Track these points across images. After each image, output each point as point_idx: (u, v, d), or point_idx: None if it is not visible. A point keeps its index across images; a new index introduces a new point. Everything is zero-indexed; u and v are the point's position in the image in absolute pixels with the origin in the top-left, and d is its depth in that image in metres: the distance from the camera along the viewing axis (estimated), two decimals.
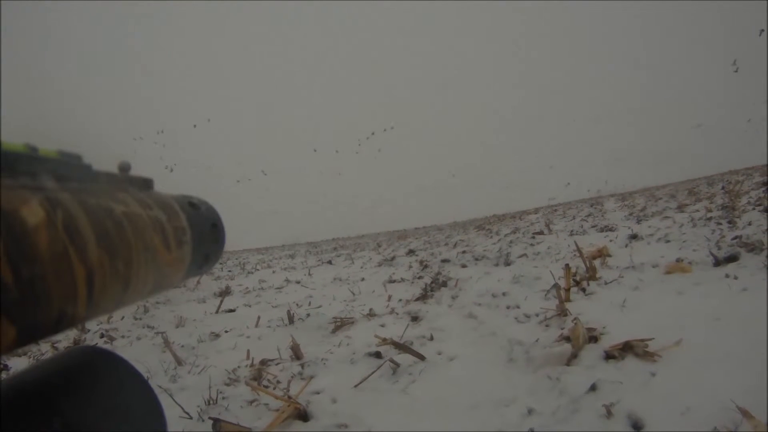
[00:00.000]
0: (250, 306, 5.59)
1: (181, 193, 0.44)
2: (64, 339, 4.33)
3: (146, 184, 0.40)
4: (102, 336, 4.57)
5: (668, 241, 5.10)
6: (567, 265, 3.63)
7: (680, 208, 8.11)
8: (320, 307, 4.94)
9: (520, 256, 6.04)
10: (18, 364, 3.63)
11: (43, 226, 0.24)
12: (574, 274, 3.89)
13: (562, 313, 3.18)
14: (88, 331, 4.84)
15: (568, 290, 3.50)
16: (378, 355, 3.08)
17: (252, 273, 9.91)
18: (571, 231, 7.78)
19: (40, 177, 0.28)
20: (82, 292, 0.26)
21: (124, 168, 0.39)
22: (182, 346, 3.86)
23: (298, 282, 7.32)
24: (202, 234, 0.43)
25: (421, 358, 2.88)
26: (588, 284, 3.83)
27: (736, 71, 39.24)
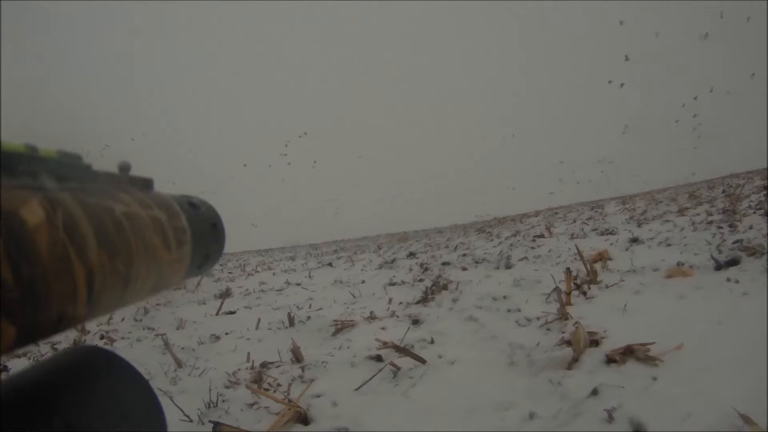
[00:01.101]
0: (250, 308, 5.58)
1: (181, 193, 0.44)
2: (64, 340, 4.33)
3: (146, 184, 0.40)
4: (102, 337, 4.57)
5: (669, 245, 5.10)
6: (568, 268, 3.63)
7: (681, 211, 8.11)
8: (321, 309, 4.93)
9: (521, 260, 6.04)
10: (18, 365, 3.63)
11: (43, 226, 0.24)
12: (575, 278, 3.88)
13: (563, 316, 3.18)
14: (88, 332, 4.83)
15: (569, 294, 3.50)
16: (379, 358, 3.08)
17: (252, 275, 9.91)
18: (572, 234, 7.78)
19: (40, 177, 0.28)
20: (82, 292, 0.26)
21: (124, 168, 0.39)
22: (182, 348, 3.85)
23: (298, 284, 7.31)
24: (202, 234, 0.43)
25: (422, 361, 2.88)
26: (589, 288, 3.83)
27: (621, 86, 40.45)
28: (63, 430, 0.28)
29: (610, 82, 41.37)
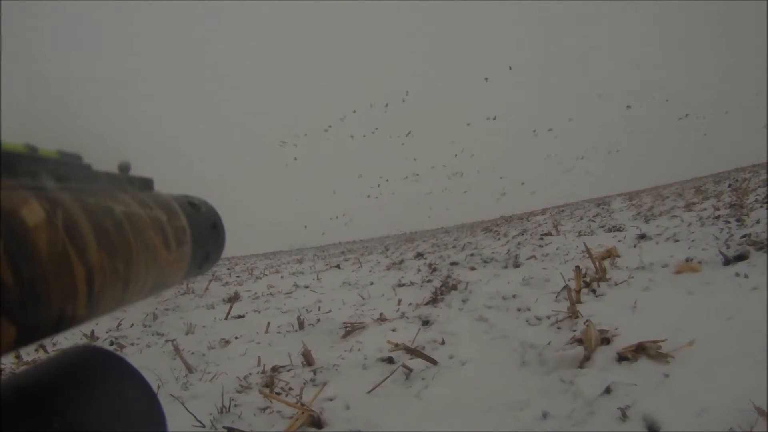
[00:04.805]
0: (259, 312, 5.59)
1: (181, 193, 0.44)
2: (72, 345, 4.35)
3: (146, 184, 0.40)
4: (112, 343, 4.59)
5: (677, 241, 5.06)
6: (578, 266, 3.61)
7: (688, 206, 8.05)
8: (330, 311, 4.94)
9: (529, 258, 6.01)
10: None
11: (43, 226, 0.24)
12: (584, 276, 3.86)
13: (574, 315, 3.16)
14: (98, 338, 4.86)
15: (578, 292, 3.48)
16: (390, 360, 3.07)
17: (260, 278, 9.93)
18: (579, 232, 7.74)
19: (40, 177, 0.28)
20: (82, 292, 0.26)
21: (124, 168, 0.39)
22: (192, 354, 3.86)
23: (306, 287, 7.32)
24: (202, 234, 0.43)
25: (434, 362, 2.87)
26: (598, 285, 3.80)
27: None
28: (63, 431, 0.28)
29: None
